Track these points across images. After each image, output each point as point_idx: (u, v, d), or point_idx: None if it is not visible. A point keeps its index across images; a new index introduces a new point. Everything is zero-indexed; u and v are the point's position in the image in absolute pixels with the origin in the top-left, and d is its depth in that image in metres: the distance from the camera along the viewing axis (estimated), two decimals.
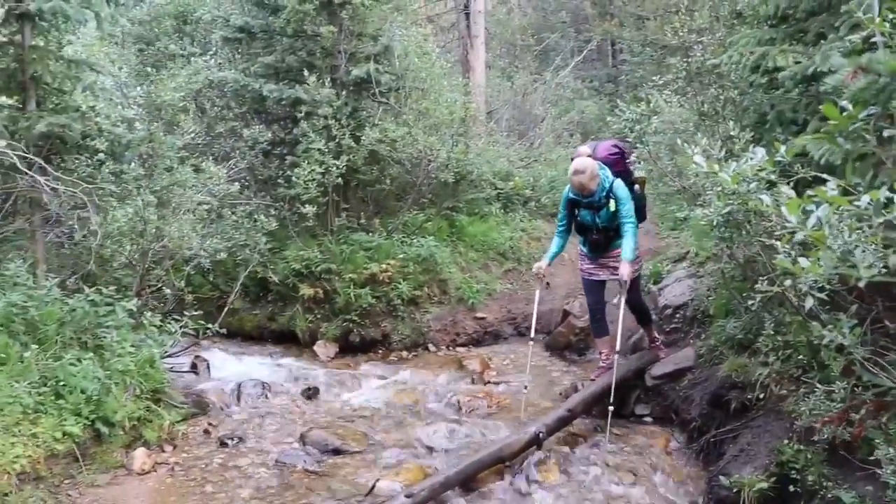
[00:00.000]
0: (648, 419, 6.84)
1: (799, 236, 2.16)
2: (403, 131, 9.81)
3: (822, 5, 5.58)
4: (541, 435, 5.97)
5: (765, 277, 4.87)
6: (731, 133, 5.14)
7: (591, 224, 6.67)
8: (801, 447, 4.83)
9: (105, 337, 6.19)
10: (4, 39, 5.99)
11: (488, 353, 9.00)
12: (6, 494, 4.60)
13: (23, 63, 6.32)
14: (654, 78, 7.39)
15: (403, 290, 9.41)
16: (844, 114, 2.52)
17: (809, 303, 2.74)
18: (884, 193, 2.06)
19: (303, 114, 9.39)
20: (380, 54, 9.95)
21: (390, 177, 10.40)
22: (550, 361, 8.73)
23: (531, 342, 7.29)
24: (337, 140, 9.40)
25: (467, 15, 13.69)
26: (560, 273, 10.61)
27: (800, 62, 5.24)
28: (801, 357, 5.20)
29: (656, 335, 7.35)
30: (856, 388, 4.50)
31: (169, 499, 5.30)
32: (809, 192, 2.34)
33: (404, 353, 9.27)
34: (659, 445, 6.27)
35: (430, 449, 6.32)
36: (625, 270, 6.40)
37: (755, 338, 5.79)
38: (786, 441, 4.96)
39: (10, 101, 5.08)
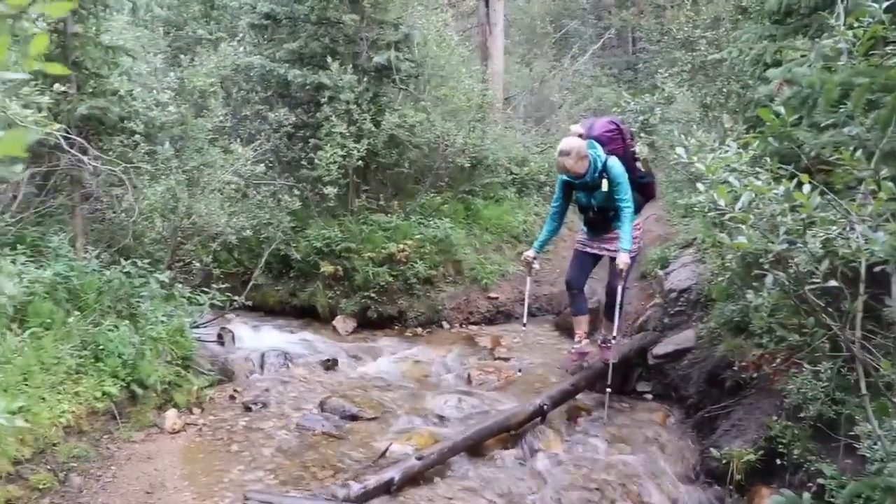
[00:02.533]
0: (649, 396, 7.15)
1: (726, 217, 2.53)
2: (422, 117, 10.14)
3: (826, 1, 5.83)
4: (545, 407, 6.32)
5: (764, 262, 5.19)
6: (726, 125, 5.44)
7: (588, 205, 6.43)
8: (789, 423, 5.15)
9: (139, 306, 6.62)
10: (49, 28, 6.38)
11: (499, 332, 9.36)
12: (55, 444, 5.04)
13: (65, 49, 6.72)
14: (660, 70, 7.66)
15: (420, 269, 9.78)
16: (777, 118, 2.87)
17: (769, 281, 3.08)
18: (793, 184, 2.42)
19: (325, 98, 9.75)
20: (400, 42, 10.27)
21: (409, 160, 10.75)
22: (559, 340, 9.08)
23: (524, 326, 7.50)
24: (358, 124, 9.75)
25: (486, 2, 13.92)
26: (569, 256, 10.96)
27: (793, 59, 5.52)
28: (793, 340, 5.48)
29: (611, 336, 6.63)
30: (841, 370, 4.83)
31: (198, 455, 5.71)
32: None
33: (419, 330, 9.66)
34: (657, 420, 6.59)
35: (441, 418, 6.67)
36: (622, 259, 6.17)
37: (751, 320, 6.07)
38: (775, 417, 5.29)
39: (63, 88, 5.45)
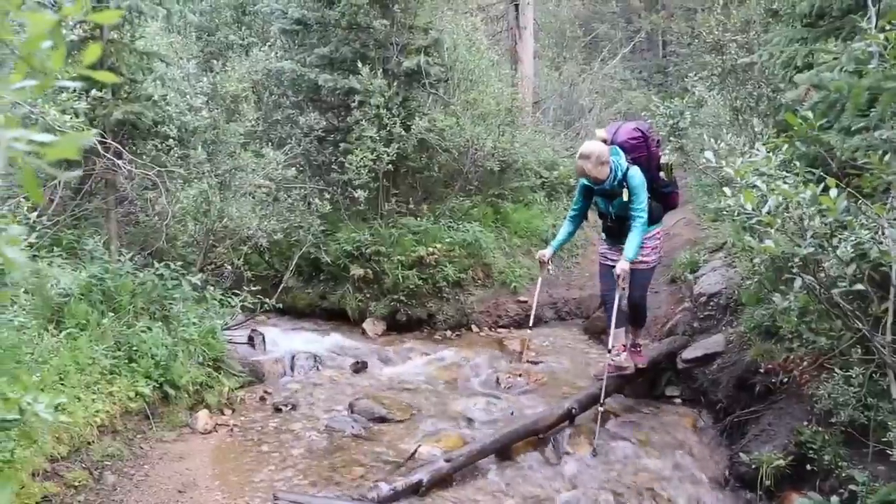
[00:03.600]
0: (678, 400, 7.11)
1: (753, 221, 2.53)
2: (451, 121, 10.19)
3: (858, 3, 5.78)
4: (573, 410, 6.33)
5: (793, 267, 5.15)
6: (756, 129, 5.41)
7: (605, 212, 6.36)
8: (819, 429, 5.11)
9: (172, 308, 6.71)
10: (86, 35, 6.51)
11: (529, 335, 9.36)
12: (90, 443, 5.14)
13: (101, 55, 6.86)
14: (690, 74, 7.63)
15: (449, 272, 9.82)
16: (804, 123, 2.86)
17: (797, 285, 3.07)
18: (820, 188, 2.41)
19: (356, 103, 9.82)
20: (430, 46, 10.32)
21: (438, 164, 10.79)
22: (588, 344, 9.07)
23: (529, 330, 7.34)
24: (388, 128, 9.81)
25: (516, 6, 13.94)
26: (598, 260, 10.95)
27: (824, 62, 5.48)
28: (823, 344, 5.44)
29: (640, 342, 6.90)
30: (873, 375, 4.78)
31: (229, 455, 5.79)
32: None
33: (448, 333, 9.68)
34: (686, 424, 6.55)
35: (470, 420, 6.69)
36: (621, 266, 6.00)
37: (781, 324, 6.02)
38: (805, 423, 5.25)
39: (100, 94, 5.55)
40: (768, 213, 2.49)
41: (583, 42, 18.26)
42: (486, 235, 10.29)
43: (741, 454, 5.57)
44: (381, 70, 9.96)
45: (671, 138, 6.39)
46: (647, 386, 7.28)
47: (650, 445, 6.15)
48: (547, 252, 6.52)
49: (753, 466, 5.35)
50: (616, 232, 6.36)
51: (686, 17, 17.36)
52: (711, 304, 8.24)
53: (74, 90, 5.02)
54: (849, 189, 2.66)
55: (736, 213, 3.01)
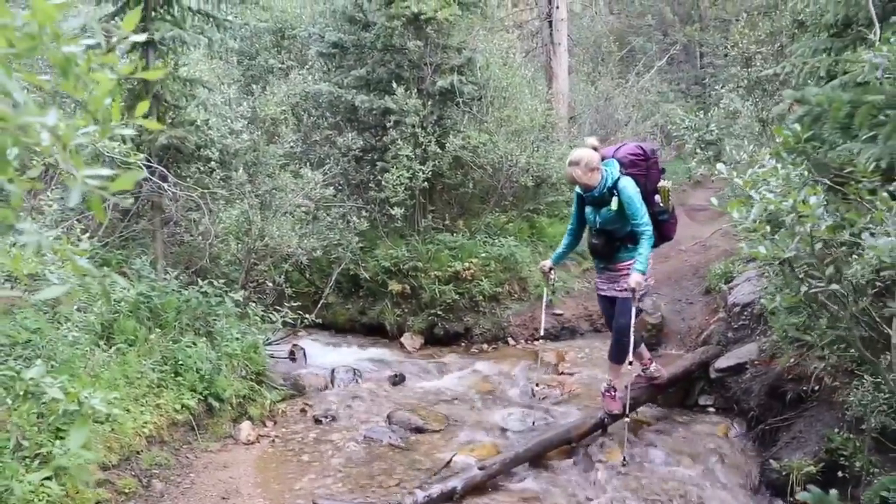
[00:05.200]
0: (711, 409, 7.13)
1: (740, 228, 2.67)
2: (485, 138, 10.37)
3: (886, 11, 5.83)
4: (606, 420, 6.43)
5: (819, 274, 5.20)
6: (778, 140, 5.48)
7: (592, 223, 6.07)
8: (850, 435, 5.14)
9: (215, 324, 6.99)
10: (133, 63, 6.83)
11: (564, 348, 9.46)
12: (138, 452, 5.41)
13: (146, 83, 7.19)
14: (716, 87, 7.73)
15: (485, 287, 9.98)
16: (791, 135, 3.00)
17: (803, 288, 3.19)
18: (802, 196, 2.55)
19: (392, 122, 10.08)
20: (463, 66, 10.54)
21: (473, 181, 10.98)
22: None
23: (539, 341, 7.26)
24: (423, 147, 10.04)
25: (550, 23, 14.12)
26: None
27: (849, 71, 5.55)
28: (853, 351, 5.46)
29: (616, 384, 6.38)
30: None
31: (270, 464, 6.01)
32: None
33: (485, 346, 9.83)
34: (718, 433, 6.59)
35: (504, 430, 6.82)
36: (633, 279, 5.72)
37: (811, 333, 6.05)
38: (836, 430, 5.28)
39: (143, 122, 5.82)
40: (753, 220, 2.64)
41: (618, 56, 18.34)
42: (522, 250, 10.43)
43: (772, 461, 5.61)
44: (415, 90, 10.19)
45: (697, 150, 6.46)
46: (681, 395, 7.34)
47: (682, 453, 6.21)
48: (548, 262, 6.44)
49: (784, 473, 5.38)
50: (600, 249, 6.10)
51: (721, 29, 17.37)
52: (745, 314, 8.27)
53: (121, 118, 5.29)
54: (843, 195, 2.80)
55: (735, 223, 3.14)
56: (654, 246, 6.01)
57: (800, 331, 6.27)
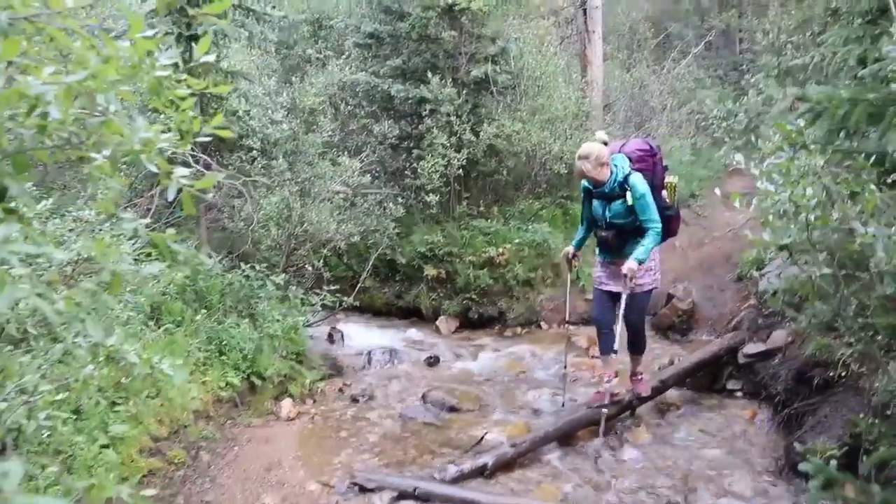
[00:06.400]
0: (739, 394, 7.24)
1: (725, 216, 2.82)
2: (519, 126, 10.53)
3: None
4: (634, 402, 6.61)
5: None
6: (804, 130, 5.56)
7: (601, 217, 6.04)
8: (875, 420, 5.24)
9: (257, 306, 7.29)
10: (178, 57, 7.11)
11: (594, 331, 9.60)
12: (186, 426, 5.73)
13: (190, 75, 7.46)
14: (745, 76, 7.78)
15: (519, 272, 10.18)
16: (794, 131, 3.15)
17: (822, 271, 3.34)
18: (798, 190, 2.72)
19: (427, 111, 10.28)
20: (497, 55, 10.71)
21: (507, 168, 11.13)
22: (654, 340, 9.23)
23: (567, 326, 7.41)
24: (458, 135, 10.24)
25: (584, 10, 14.14)
26: (668, 259, 11.08)
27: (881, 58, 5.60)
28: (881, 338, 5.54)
29: (640, 370, 6.61)
30: None
31: (310, 440, 6.29)
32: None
33: (518, 330, 10.03)
34: (745, 416, 6.71)
35: (535, 411, 7.03)
36: (627, 264, 5.76)
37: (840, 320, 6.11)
38: (861, 415, 5.37)
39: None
40: (753, 209, 2.81)
41: (653, 43, 18.28)
42: (555, 236, 10.58)
43: (796, 444, 5.71)
44: (450, 79, 10.38)
45: (727, 139, 6.53)
46: (709, 379, 7.47)
47: (708, 435, 6.35)
48: (571, 248, 6.45)
49: (808, 456, 5.50)
50: (608, 243, 6.12)
51: (759, 14, 17.22)
52: (786, 301, 8.34)
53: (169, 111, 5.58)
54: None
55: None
56: (661, 241, 6.07)
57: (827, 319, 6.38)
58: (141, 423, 5.09)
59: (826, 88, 2.81)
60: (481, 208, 10.98)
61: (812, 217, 2.87)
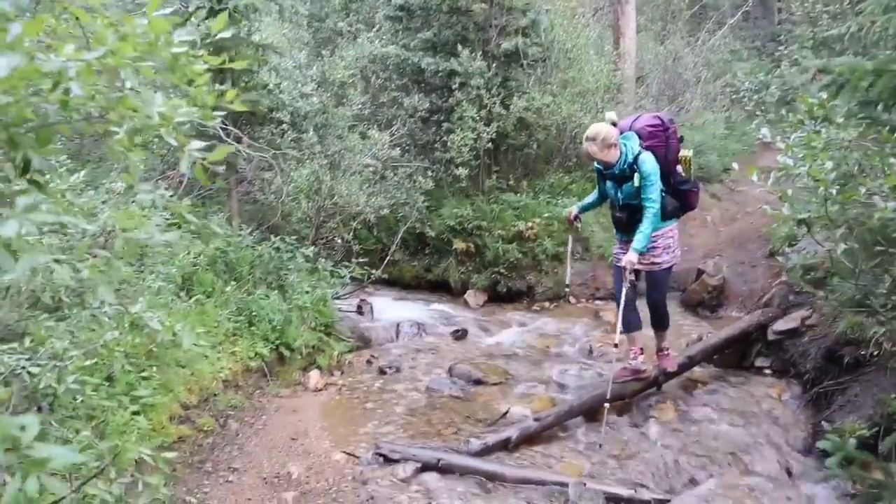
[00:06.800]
0: (767, 371, 7.18)
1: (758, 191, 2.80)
2: (549, 99, 10.47)
3: None
4: (660, 378, 6.60)
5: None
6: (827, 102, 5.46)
7: (614, 198, 5.97)
8: None
9: (287, 278, 7.38)
10: (208, 31, 7.17)
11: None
12: (216, 395, 5.84)
13: (221, 50, 7.53)
14: (779, 47, 7.65)
15: (548, 246, 10.17)
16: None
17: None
18: (818, 164, 2.69)
19: (457, 84, 10.25)
20: (528, 27, 10.63)
21: (537, 142, 11.10)
22: (683, 316, 9.23)
23: (567, 288, 7.37)
24: (488, 108, 10.21)
25: None
26: (699, 234, 11.05)
27: None
28: None
29: (666, 345, 6.53)
30: None
31: (337, 411, 6.39)
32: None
33: (546, 304, 10.04)
34: (773, 394, 6.64)
35: (561, 385, 7.04)
36: (628, 258, 5.73)
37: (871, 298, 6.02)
38: (892, 395, 5.32)
39: (222, 87, 6.19)
40: (771, 183, 2.79)
41: (688, 14, 17.99)
42: None
43: (824, 423, 5.68)
44: (480, 52, 10.34)
45: (758, 112, 6.44)
46: (737, 356, 7.43)
47: (735, 413, 6.29)
48: (574, 209, 6.36)
49: (837, 436, 5.46)
50: (624, 223, 6.00)
51: None
52: (808, 277, 8.26)
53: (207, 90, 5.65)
54: None
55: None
56: (678, 216, 6.07)
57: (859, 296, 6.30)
58: (171, 391, 5.20)
59: (849, 60, 2.76)
60: (511, 182, 10.97)
61: (833, 191, 2.85)
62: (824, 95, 3.14)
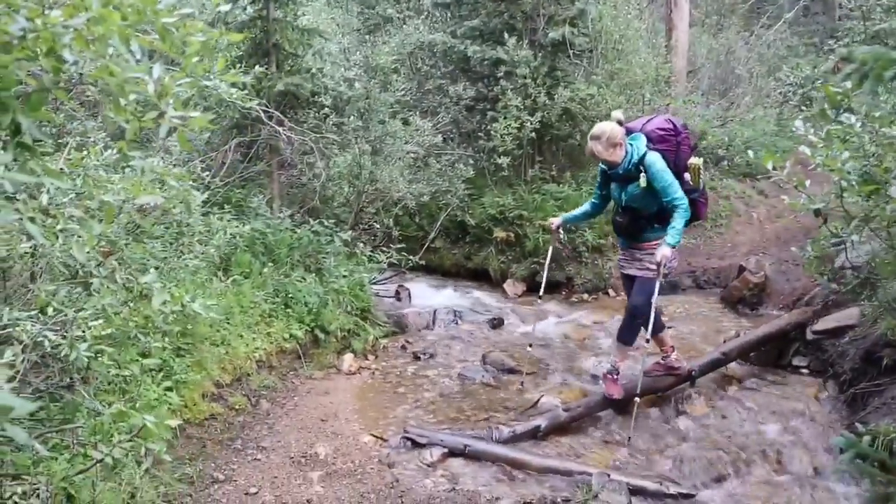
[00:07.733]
0: (804, 370, 7.08)
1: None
2: (594, 90, 10.39)
3: None
4: (693, 373, 6.53)
5: None
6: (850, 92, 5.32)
7: (617, 199, 5.79)
8: None
9: (325, 261, 7.47)
10: (255, 15, 7.28)
11: (664, 302, 9.48)
12: (249, 374, 5.95)
13: (267, 33, 7.63)
14: (828, 41, 7.49)
15: (589, 238, 10.13)
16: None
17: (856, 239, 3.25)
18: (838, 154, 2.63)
19: (503, 73, 10.24)
20: (576, 17, 10.55)
21: (582, 133, 11.01)
22: (722, 312, 9.13)
23: (539, 300, 7.10)
24: (533, 98, 10.17)
25: None
26: (744, 230, 10.90)
27: None
28: None
29: (620, 366, 6.16)
30: None
31: (368, 394, 6.46)
32: None
33: (585, 296, 10.01)
34: (809, 394, 6.55)
35: (594, 377, 7.01)
36: (661, 251, 5.48)
37: None
38: None
39: (262, 69, 6.27)
40: (787, 173, 2.75)
41: (745, 7, 17.66)
42: None
43: (857, 424, 5.60)
44: (527, 41, 10.31)
45: (802, 108, 6.33)
46: (775, 355, 7.33)
47: (768, 411, 6.22)
48: (557, 220, 6.32)
49: (871, 438, 5.38)
50: (624, 227, 5.85)
51: None
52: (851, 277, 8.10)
53: (240, 66, 5.74)
54: None
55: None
56: (686, 225, 5.67)
57: None
58: (205, 369, 5.31)
59: (873, 48, 2.69)
60: (553, 173, 10.92)
61: (854, 183, 2.79)
62: (848, 85, 3.06)
